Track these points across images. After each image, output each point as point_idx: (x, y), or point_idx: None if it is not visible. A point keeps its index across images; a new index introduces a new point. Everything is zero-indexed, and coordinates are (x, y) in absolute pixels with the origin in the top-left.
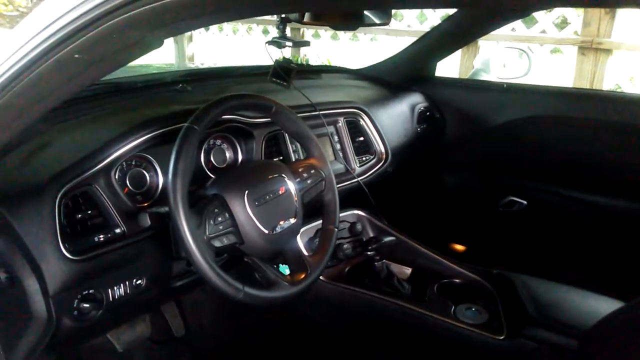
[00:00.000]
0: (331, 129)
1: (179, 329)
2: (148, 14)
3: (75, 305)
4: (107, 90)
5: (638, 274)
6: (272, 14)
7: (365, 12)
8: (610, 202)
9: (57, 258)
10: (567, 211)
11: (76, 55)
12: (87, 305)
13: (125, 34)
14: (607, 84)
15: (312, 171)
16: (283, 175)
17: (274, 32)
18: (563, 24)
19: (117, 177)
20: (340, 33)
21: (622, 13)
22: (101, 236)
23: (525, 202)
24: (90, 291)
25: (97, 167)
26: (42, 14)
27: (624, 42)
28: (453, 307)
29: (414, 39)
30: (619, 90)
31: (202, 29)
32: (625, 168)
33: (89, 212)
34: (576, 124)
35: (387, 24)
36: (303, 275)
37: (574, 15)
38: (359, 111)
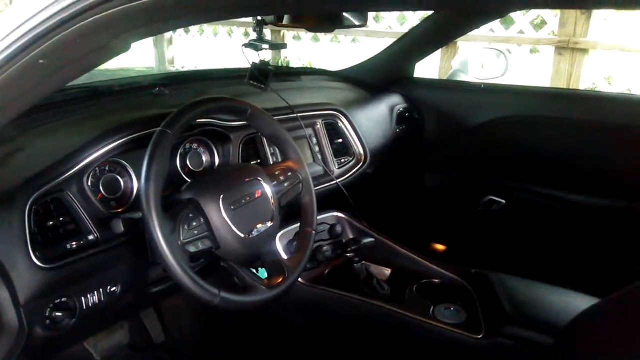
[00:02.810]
0: (309, 131)
1: (158, 335)
2: (113, 18)
3: (47, 314)
4: (84, 94)
5: (613, 271)
6: (241, 17)
7: (343, 14)
8: (587, 200)
9: (28, 266)
10: (545, 209)
11: (41, 61)
12: (59, 314)
13: (91, 38)
14: (584, 84)
15: (289, 174)
16: (259, 178)
17: (254, 35)
18: (542, 24)
19: (90, 183)
20: (321, 35)
21: (598, 13)
22: (74, 243)
23: (504, 202)
24: (63, 299)
25: (69, 173)
26: (3, 21)
27: (599, 42)
28: (432, 307)
29: (395, 40)
30: (595, 89)
31: (182, 32)
32: (603, 166)
33: (61, 219)
34: (553, 123)
35: (363, 25)
36: (281, 279)
37: (551, 15)
38: (338, 113)
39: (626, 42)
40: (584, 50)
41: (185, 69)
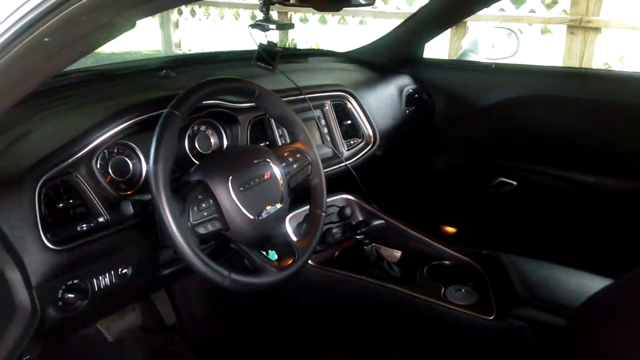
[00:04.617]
0: (318, 112)
1: (169, 317)
2: None
3: (59, 295)
4: (90, 77)
5: (625, 252)
6: None
7: None
8: (599, 181)
9: (39, 248)
10: (557, 191)
11: (46, 39)
12: (71, 296)
13: (95, 15)
14: (596, 63)
15: (298, 155)
16: (268, 160)
17: (261, 17)
18: (552, 3)
19: (99, 165)
20: (329, 17)
21: None
22: (84, 225)
23: (515, 183)
24: (75, 281)
25: (77, 155)
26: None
27: (612, 20)
28: (443, 289)
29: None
30: (607, 68)
31: (189, 15)
32: (615, 147)
33: (71, 201)
34: (565, 103)
35: (372, 4)
36: (291, 261)
37: None
38: (346, 94)
39: (639, 21)
40: (597, 29)
41: (192, 52)
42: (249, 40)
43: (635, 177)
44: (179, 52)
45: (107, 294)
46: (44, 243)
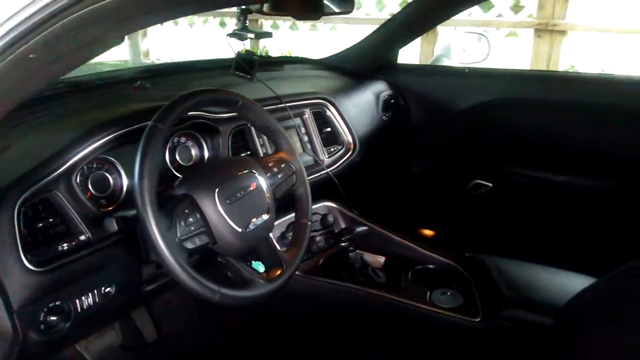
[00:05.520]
0: (298, 120)
1: (150, 334)
2: (108, 9)
3: (41, 318)
4: (64, 90)
5: (604, 250)
6: (233, 5)
7: (326, 2)
8: (572, 180)
9: (19, 270)
10: (533, 191)
11: (31, 56)
12: (54, 318)
13: (84, 30)
14: (563, 65)
15: (282, 165)
16: (253, 170)
17: (231, 24)
18: (517, 8)
19: (78, 181)
20: (300, 23)
21: None
22: (65, 245)
23: (490, 185)
24: (57, 303)
25: (57, 172)
26: None
27: (577, 24)
28: (428, 293)
29: (374, 26)
30: (573, 70)
31: None
32: (587, 146)
33: (51, 220)
34: (537, 105)
35: (349, 12)
36: (279, 272)
37: None
38: (325, 102)
39: (603, 23)
40: (563, 32)
41: (161, 61)
42: (219, 48)
43: (607, 175)
44: (147, 61)
45: (90, 314)
46: (25, 265)
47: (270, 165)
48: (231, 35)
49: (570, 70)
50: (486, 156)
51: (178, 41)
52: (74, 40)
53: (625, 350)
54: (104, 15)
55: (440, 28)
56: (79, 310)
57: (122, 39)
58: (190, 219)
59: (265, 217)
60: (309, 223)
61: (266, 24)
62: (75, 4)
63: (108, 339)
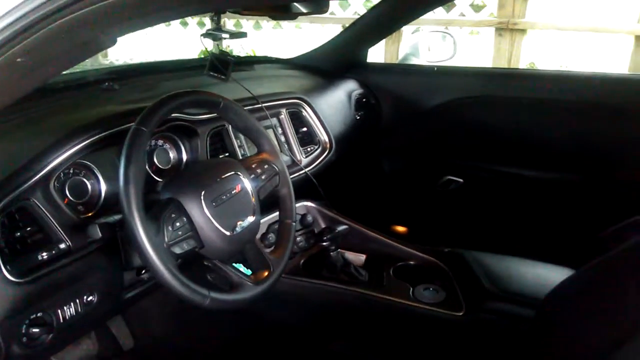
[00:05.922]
0: (274, 121)
1: (127, 341)
2: (100, 11)
3: (23, 331)
4: (31, 92)
5: (577, 242)
6: (222, 8)
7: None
8: (542, 175)
9: (0, 282)
10: (503, 186)
11: (18, 60)
12: (36, 330)
13: (75, 33)
14: (523, 62)
15: (266, 166)
16: (237, 172)
17: (207, 24)
18: (478, 7)
19: (55, 188)
20: (263, 22)
21: None
22: (44, 254)
23: (461, 180)
24: (39, 314)
25: (33, 179)
26: None
27: (537, 22)
28: (411, 289)
29: (338, 25)
30: (533, 67)
31: None
32: (554, 142)
33: (29, 228)
34: (504, 102)
35: (325, 11)
36: (266, 273)
37: None
38: (301, 101)
39: (561, 22)
40: (523, 31)
41: (120, 62)
42: (181, 47)
43: (572, 169)
44: (105, 62)
45: (71, 324)
46: (5, 276)
47: (253, 166)
48: (205, 35)
49: (531, 68)
50: (456, 152)
51: (138, 41)
52: (67, 42)
53: (605, 340)
54: (98, 18)
55: (404, 27)
56: (61, 320)
57: (115, 41)
58: (178, 224)
59: (251, 219)
60: (294, 223)
61: (229, 23)
62: (67, 7)
63: (84, 349)
